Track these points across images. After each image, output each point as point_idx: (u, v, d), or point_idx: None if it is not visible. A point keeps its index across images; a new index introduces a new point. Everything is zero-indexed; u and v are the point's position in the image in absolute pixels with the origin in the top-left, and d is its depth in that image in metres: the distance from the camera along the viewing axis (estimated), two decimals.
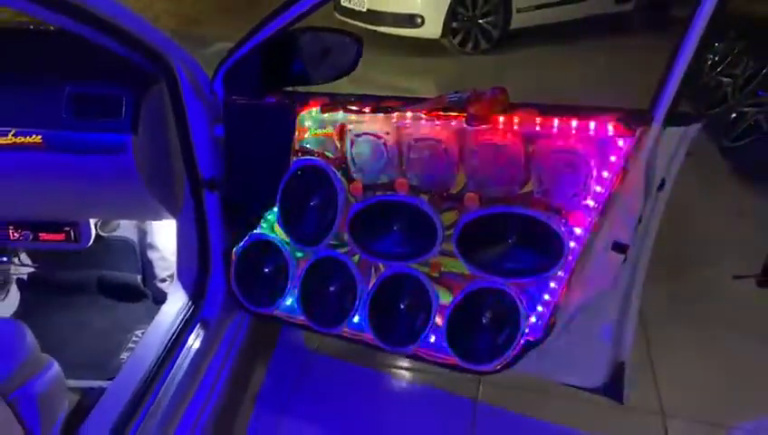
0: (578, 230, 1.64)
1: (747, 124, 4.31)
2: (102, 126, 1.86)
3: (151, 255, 2.54)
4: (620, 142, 1.54)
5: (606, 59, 6.41)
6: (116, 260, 2.57)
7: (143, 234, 2.56)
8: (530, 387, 2.36)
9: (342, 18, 7.42)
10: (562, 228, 1.62)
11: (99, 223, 2.50)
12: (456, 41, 7.04)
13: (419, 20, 6.86)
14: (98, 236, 2.50)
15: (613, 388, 1.92)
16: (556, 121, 1.60)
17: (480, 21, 7.04)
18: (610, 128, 1.55)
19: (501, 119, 1.64)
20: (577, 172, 1.56)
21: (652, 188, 1.62)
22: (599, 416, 2.26)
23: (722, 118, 4.56)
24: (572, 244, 1.65)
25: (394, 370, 2.52)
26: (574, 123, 1.58)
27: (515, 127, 1.64)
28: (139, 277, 2.55)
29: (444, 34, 6.94)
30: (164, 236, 2.55)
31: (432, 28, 6.90)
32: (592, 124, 1.56)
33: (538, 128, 1.62)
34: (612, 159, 1.56)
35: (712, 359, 2.60)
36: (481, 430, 2.27)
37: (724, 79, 5.09)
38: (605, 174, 1.58)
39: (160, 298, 2.37)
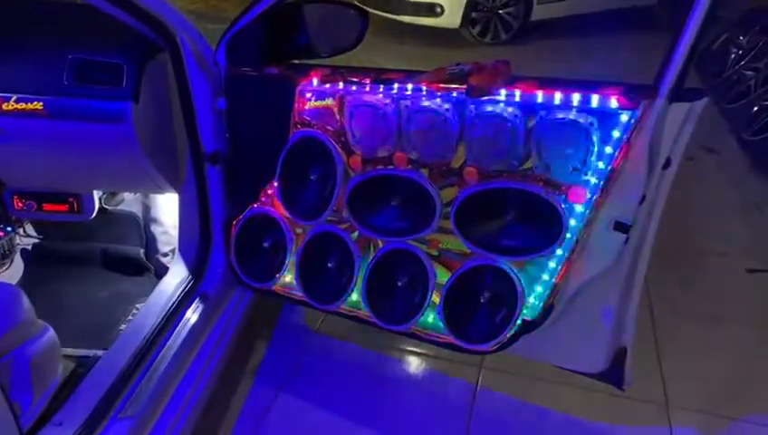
0: (578, 207, 1.60)
1: None
2: (103, 94, 1.86)
3: (154, 229, 2.54)
4: (623, 116, 1.50)
5: (627, 57, 6.30)
6: (120, 233, 2.56)
7: (147, 208, 2.56)
8: (532, 373, 2.32)
9: (361, 6, 7.34)
10: (562, 205, 1.58)
11: (103, 196, 2.51)
12: (476, 31, 6.97)
13: (439, 9, 6.79)
14: (102, 209, 2.50)
15: (614, 374, 1.88)
16: (558, 94, 1.56)
17: (500, 11, 6.96)
18: (613, 101, 1.50)
19: (502, 91, 1.60)
20: (578, 147, 1.52)
21: (656, 166, 1.58)
22: (602, 405, 2.21)
23: (744, 111, 4.46)
24: (572, 221, 1.61)
25: (394, 352, 2.49)
26: (576, 96, 1.54)
27: (516, 99, 1.60)
28: (141, 251, 2.55)
29: (463, 24, 6.87)
30: (167, 210, 2.54)
31: (452, 18, 6.83)
32: (595, 97, 1.52)
33: (540, 100, 1.58)
34: (615, 133, 1.52)
35: (721, 352, 2.53)
36: (479, 414, 2.24)
37: (748, 72, 4.99)
38: (607, 149, 1.54)
39: (162, 272, 2.37)
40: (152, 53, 1.92)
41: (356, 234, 1.96)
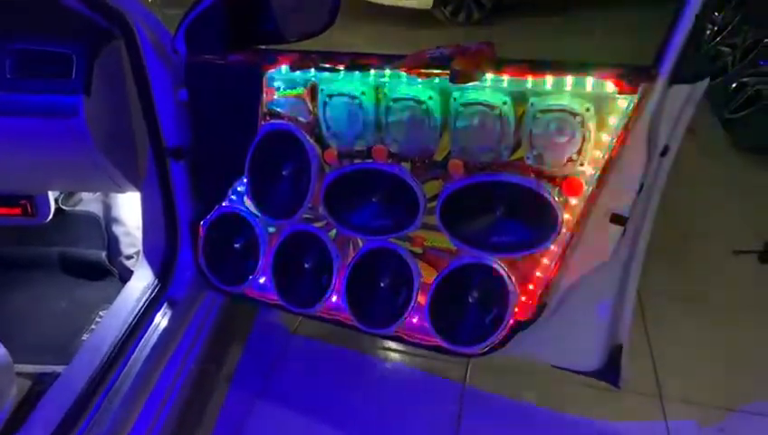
0: (573, 200, 1.49)
1: (748, 95, 4.13)
2: (51, 87, 1.70)
3: (116, 230, 2.38)
4: (621, 101, 1.38)
5: (602, 30, 6.21)
6: (79, 235, 2.41)
7: (108, 208, 2.40)
8: (521, 370, 2.22)
9: None
10: (556, 198, 1.46)
11: (60, 196, 2.34)
12: (448, 11, 6.83)
13: None
14: (59, 209, 2.34)
15: (609, 371, 1.79)
16: (549, 78, 1.43)
17: None
18: (610, 85, 1.38)
19: (488, 76, 1.47)
20: (572, 135, 1.40)
21: (655, 154, 1.47)
22: (593, 399, 2.13)
23: (722, 89, 4.39)
24: (567, 215, 1.49)
25: (378, 351, 2.37)
26: (569, 80, 1.42)
27: (504, 85, 1.47)
28: (103, 254, 2.40)
29: (435, 5, 6.73)
30: (130, 209, 2.39)
31: None
32: (590, 81, 1.40)
33: (529, 86, 1.45)
34: (612, 119, 1.40)
35: (712, 339, 2.46)
36: (469, 415, 2.14)
37: (724, 49, 4.92)
38: (603, 137, 1.42)
39: (127, 276, 2.22)
40: (104, 42, 1.76)
41: (334, 232, 1.83)
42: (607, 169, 1.45)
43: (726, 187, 3.59)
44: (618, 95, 1.37)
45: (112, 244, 2.39)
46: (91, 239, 2.40)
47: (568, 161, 1.43)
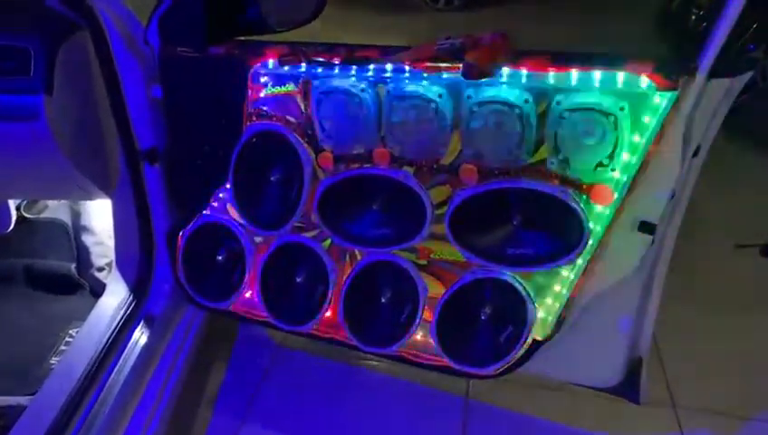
0: (602, 209, 1.34)
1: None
2: (7, 86, 1.54)
3: (86, 239, 2.19)
4: (657, 98, 1.22)
5: (597, 19, 6.11)
6: (46, 246, 2.22)
7: (76, 215, 2.21)
8: (525, 380, 2.07)
9: None
10: (582, 206, 1.31)
11: (22, 203, 2.14)
12: None
13: None
14: (22, 218, 2.15)
15: (629, 387, 1.66)
16: (575, 72, 1.27)
17: None
18: (644, 80, 1.23)
19: (505, 70, 1.31)
20: (604, 137, 1.24)
21: (688, 155, 1.33)
22: (604, 412, 1.99)
23: None
24: (595, 226, 1.34)
25: (374, 363, 2.21)
26: (597, 75, 1.26)
27: (523, 80, 1.31)
28: (72, 266, 2.20)
29: None
30: (101, 216, 2.20)
31: None
32: (621, 75, 1.24)
33: (552, 81, 1.29)
34: (646, 119, 1.25)
35: (721, 340, 2.35)
36: (473, 431, 2.00)
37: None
38: (636, 138, 1.27)
39: (99, 290, 2.05)
40: (67, 33, 1.58)
41: (328, 241, 1.66)
42: (638, 173, 1.30)
43: (725, 178, 3.48)
44: (655, 91, 1.21)
45: (82, 255, 2.20)
46: (59, 250, 2.21)
47: (597, 166, 1.28)
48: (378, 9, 6.58)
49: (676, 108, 1.23)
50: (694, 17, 5.15)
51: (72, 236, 2.21)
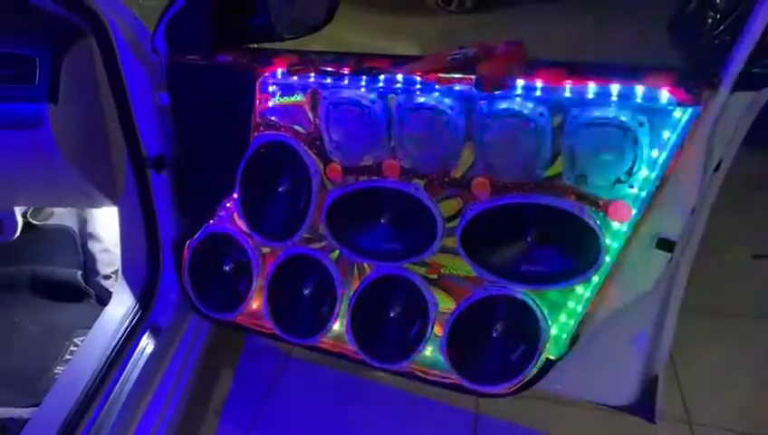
0: (619, 226, 1.29)
1: None
2: (11, 94, 1.51)
3: (93, 246, 2.16)
4: (678, 112, 1.18)
5: (597, 15, 6.03)
6: (52, 253, 2.19)
7: (83, 222, 2.18)
8: (538, 395, 2.03)
9: None
10: (599, 223, 1.26)
11: (29, 210, 2.12)
12: None
13: None
14: (28, 224, 2.12)
15: (644, 405, 1.61)
16: (592, 85, 1.23)
17: None
18: (665, 93, 1.18)
19: (520, 82, 1.27)
20: (623, 153, 1.20)
21: (710, 170, 1.28)
22: (617, 427, 1.94)
23: None
24: (612, 242, 1.30)
25: (383, 376, 2.16)
26: (616, 87, 1.21)
27: (539, 93, 1.27)
28: (79, 273, 2.17)
29: None
30: (108, 224, 2.16)
31: None
32: (640, 88, 1.20)
33: (568, 94, 1.25)
34: (666, 134, 1.20)
35: (738, 353, 2.29)
36: None
37: (728, 38, 4.74)
38: (656, 154, 1.22)
39: (105, 298, 2.02)
40: (73, 41, 1.55)
41: (336, 253, 1.63)
42: (658, 190, 1.25)
43: (741, 186, 3.41)
44: (677, 106, 1.17)
45: (88, 262, 2.17)
46: (66, 257, 2.18)
47: (616, 182, 1.23)
48: (388, 10, 6.53)
49: (697, 122, 1.19)
50: (710, 20, 5.08)
51: (79, 244, 2.18)
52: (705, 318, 2.45)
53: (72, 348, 1.97)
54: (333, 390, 2.13)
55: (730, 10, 4.87)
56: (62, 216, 2.19)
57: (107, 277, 2.15)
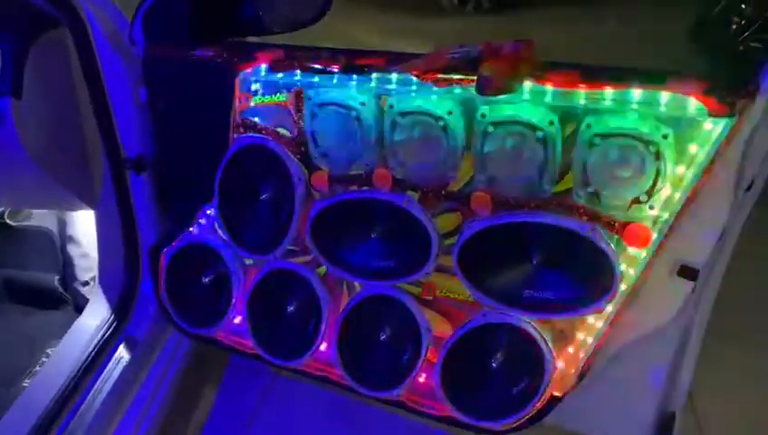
0: (637, 251, 1.14)
1: None
2: None
3: (72, 250, 2.04)
4: (709, 124, 1.02)
5: (617, 14, 5.86)
6: (30, 256, 2.07)
7: (63, 223, 2.06)
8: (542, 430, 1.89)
9: None
10: (613, 247, 1.11)
11: (6, 210, 2.00)
12: None
13: None
14: (5, 225, 2.00)
15: None
16: (609, 91, 1.08)
17: None
18: (693, 102, 1.03)
19: (528, 85, 1.12)
20: (642, 169, 1.05)
21: (741, 190, 1.12)
22: None
23: None
24: (628, 269, 1.15)
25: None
26: (636, 94, 1.06)
27: (548, 98, 1.12)
28: (56, 278, 2.05)
29: None
30: (88, 227, 2.04)
31: None
32: (665, 96, 1.04)
33: (582, 101, 1.10)
34: (694, 148, 1.05)
35: (759, 379, 2.13)
36: None
37: (753, 44, 4.56)
38: (681, 171, 1.07)
39: (83, 305, 1.89)
40: (41, 30, 1.43)
41: (323, 269, 1.49)
42: (682, 211, 1.10)
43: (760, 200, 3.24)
44: (707, 117, 1.01)
45: (67, 267, 2.04)
46: (44, 260, 2.06)
47: (633, 202, 1.08)
48: (405, 11, 6.39)
49: (731, 135, 1.03)
50: (735, 26, 4.89)
51: (59, 247, 2.06)
52: (724, 339, 2.28)
53: (43, 359, 1.85)
54: (321, 411, 2.00)
55: (758, 14, 4.69)
56: (43, 216, 2.07)
57: (85, 284, 2.03)
